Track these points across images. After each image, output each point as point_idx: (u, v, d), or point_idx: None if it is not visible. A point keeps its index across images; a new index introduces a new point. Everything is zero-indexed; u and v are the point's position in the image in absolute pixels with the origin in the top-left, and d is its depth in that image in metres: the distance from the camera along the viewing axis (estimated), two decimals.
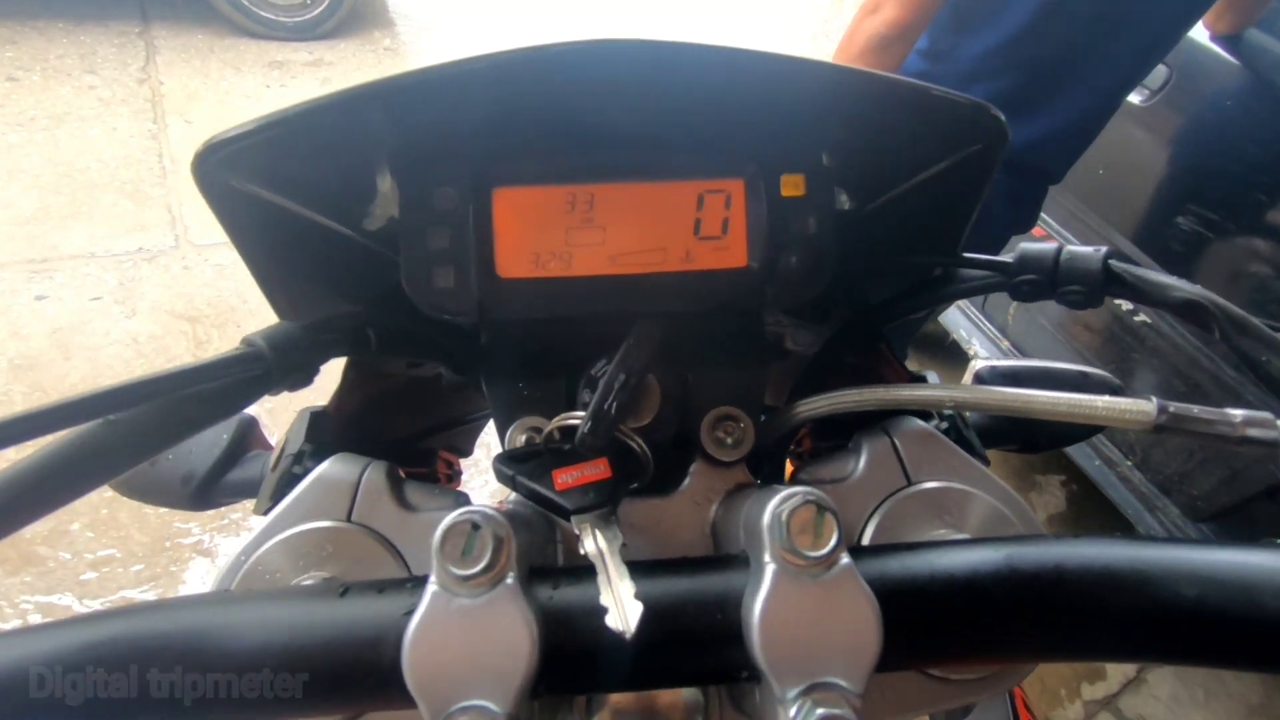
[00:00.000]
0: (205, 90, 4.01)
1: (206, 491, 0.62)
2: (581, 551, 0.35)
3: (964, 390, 0.42)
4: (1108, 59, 1.34)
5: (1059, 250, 0.45)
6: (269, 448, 0.65)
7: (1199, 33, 1.65)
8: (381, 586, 0.33)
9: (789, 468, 0.65)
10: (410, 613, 0.31)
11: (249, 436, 0.65)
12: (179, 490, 0.62)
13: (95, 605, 2.00)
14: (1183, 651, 0.32)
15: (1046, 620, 0.32)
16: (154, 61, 4.15)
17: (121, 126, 3.66)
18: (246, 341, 0.38)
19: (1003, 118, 0.40)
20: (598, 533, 0.35)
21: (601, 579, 0.32)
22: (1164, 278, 0.41)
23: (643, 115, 0.44)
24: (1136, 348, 1.93)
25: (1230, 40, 1.69)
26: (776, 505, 0.31)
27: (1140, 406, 0.35)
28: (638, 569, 0.34)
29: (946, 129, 0.43)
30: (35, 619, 1.96)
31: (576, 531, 0.36)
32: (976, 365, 0.64)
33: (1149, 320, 1.88)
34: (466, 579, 0.30)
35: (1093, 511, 2.37)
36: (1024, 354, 2.25)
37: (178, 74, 4.08)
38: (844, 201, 0.51)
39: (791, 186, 0.47)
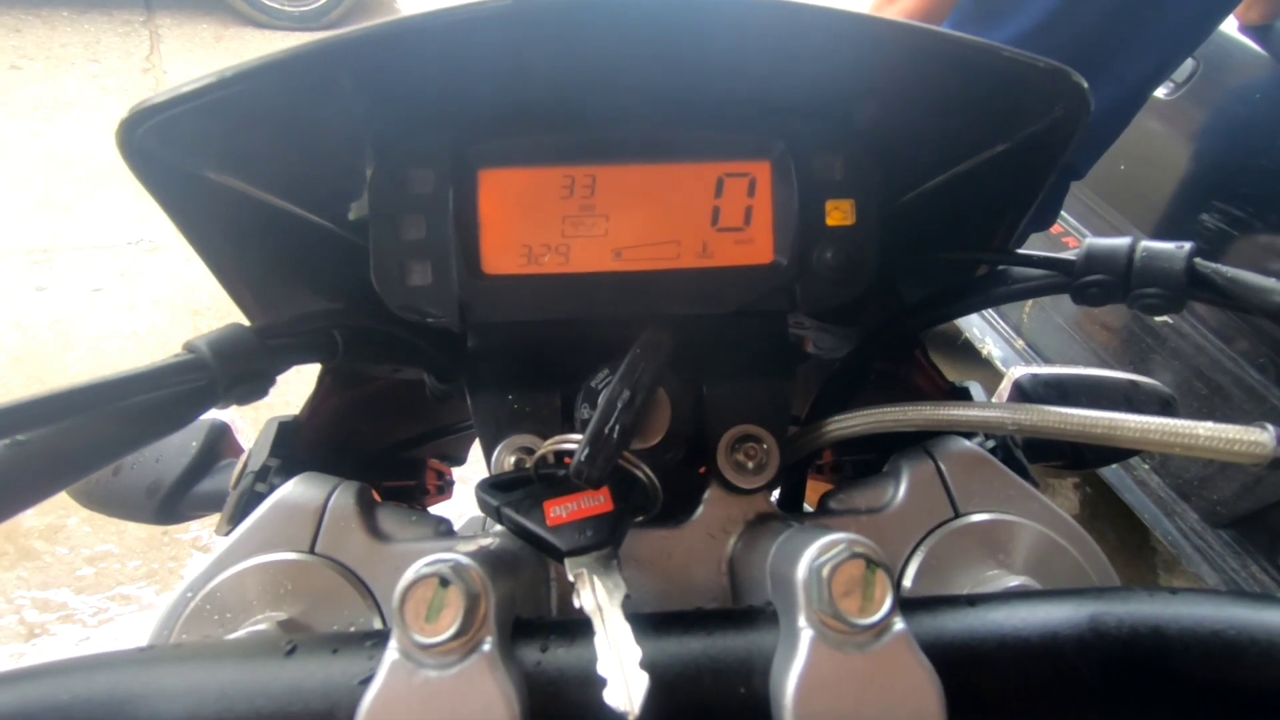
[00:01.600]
0: None
1: (173, 504, 0.58)
2: (577, 604, 0.30)
3: (1032, 412, 0.36)
4: (1136, 49, 1.29)
5: (1133, 247, 0.39)
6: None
7: (1227, 24, 1.59)
8: (336, 644, 0.28)
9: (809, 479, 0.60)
10: (367, 680, 0.25)
11: (220, 444, 0.60)
12: (143, 502, 0.57)
13: (93, 601, 1.97)
14: None
15: (1144, 697, 0.26)
16: (158, 51, 4.15)
17: None
18: (188, 347, 0.33)
19: (1085, 85, 0.33)
20: (596, 581, 0.30)
21: (600, 641, 0.27)
22: (1261, 280, 0.35)
23: (654, 83, 0.39)
24: (1157, 348, 1.87)
25: (1260, 32, 1.64)
26: (815, 557, 0.26)
27: (1253, 436, 0.29)
28: (644, 625, 0.28)
29: (1015, 100, 0.37)
30: (31, 615, 1.93)
31: (571, 578, 0.31)
32: (1016, 374, 0.59)
33: (1170, 320, 1.82)
34: (432, 647, 0.25)
35: (1107, 515, 2.31)
36: (1039, 354, 2.20)
37: (182, 64, 4.08)
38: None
39: (826, 169, 0.41)
